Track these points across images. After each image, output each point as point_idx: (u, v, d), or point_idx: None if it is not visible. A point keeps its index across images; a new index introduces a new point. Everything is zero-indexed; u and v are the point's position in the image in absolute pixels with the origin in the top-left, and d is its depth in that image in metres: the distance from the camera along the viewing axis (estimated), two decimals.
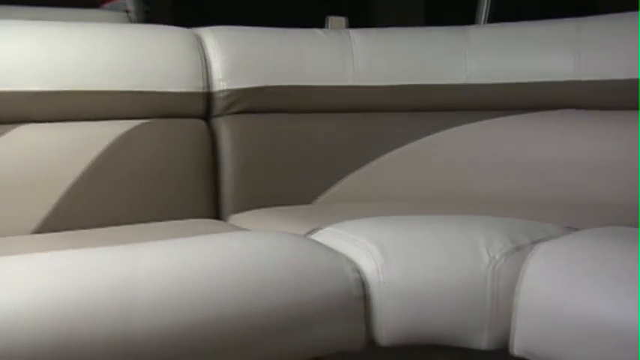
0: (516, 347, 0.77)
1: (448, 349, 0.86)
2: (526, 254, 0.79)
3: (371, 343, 0.83)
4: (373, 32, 1.42)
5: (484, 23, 1.83)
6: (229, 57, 1.27)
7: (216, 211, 1.24)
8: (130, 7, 1.72)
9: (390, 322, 0.81)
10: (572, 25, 1.32)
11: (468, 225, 0.86)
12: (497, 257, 0.80)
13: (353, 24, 1.58)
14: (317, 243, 0.87)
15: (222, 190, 1.25)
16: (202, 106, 1.26)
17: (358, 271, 0.82)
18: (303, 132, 1.34)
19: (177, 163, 1.20)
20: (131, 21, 1.67)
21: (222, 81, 1.26)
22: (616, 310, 0.66)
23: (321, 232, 0.93)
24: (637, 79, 1.22)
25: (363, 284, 0.81)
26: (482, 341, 0.80)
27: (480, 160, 1.33)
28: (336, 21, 1.58)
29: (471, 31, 1.41)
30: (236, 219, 1.19)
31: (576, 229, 0.86)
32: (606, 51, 1.28)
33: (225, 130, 1.26)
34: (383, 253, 0.82)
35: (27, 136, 1.11)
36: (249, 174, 1.26)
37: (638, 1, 1.30)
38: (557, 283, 0.73)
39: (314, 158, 1.33)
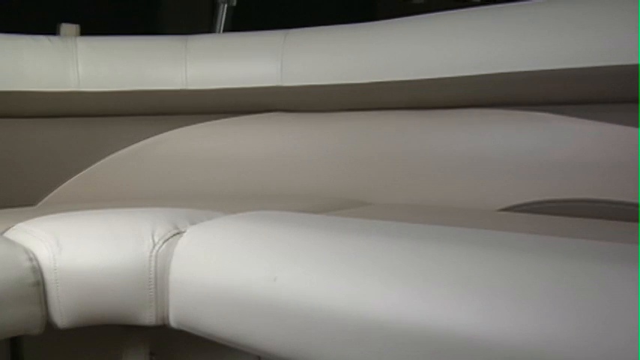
0: (172, 321, 0.89)
1: (137, 328, 0.96)
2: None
3: (50, 326, 0.91)
4: (98, 40, 1.49)
5: (220, 32, 1.96)
6: None
7: None
8: None
9: (64, 306, 0.89)
10: (281, 36, 1.47)
11: (138, 216, 0.97)
12: (159, 242, 0.91)
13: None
14: None
15: None
16: None
17: (33, 259, 0.89)
18: (25, 136, 1.39)
19: None
20: None
21: None
22: (248, 280, 0.78)
23: (12, 229, 0.99)
24: (338, 85, 1.39)
25: (38, 271, 0.89)
26: (148, 318, 0.91)
27: (197, 159, 1.46)
28: (68, 28, 1.63)
29: (191, 40, 1.52)
30: None
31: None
32: (310, 58, 1.43)
33: None
34: (57, 242, 0.90)
35: None
36: None
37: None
38: (196, 258, 0.85)
39: (36, 162, 1.38)
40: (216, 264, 0.82)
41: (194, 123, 1.48)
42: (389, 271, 0.68)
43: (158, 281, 0.90)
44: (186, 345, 1.11)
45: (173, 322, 0.88)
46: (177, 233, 0.92)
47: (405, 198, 1.28)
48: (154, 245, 0.90)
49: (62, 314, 0.90)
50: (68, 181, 1.41)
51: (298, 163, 1.42)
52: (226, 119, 1.48)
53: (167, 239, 0.91)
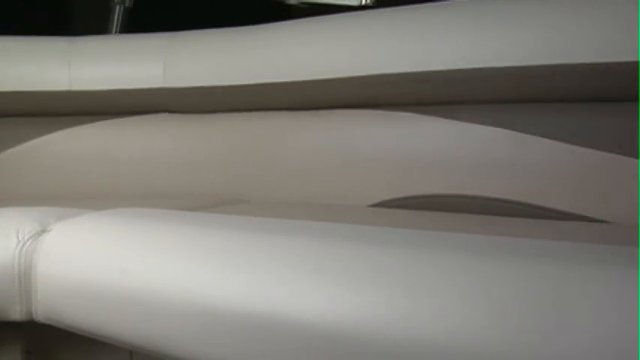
0: (40, 316, 0.91)
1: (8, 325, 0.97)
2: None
3: None
4: None
5: (116, 34, 1.97)
6: None
7: None
8: None
9: None
10: (166, 38, 1.50)
11: (5, 215, 0.99)
12: (25, 239, 0.93)
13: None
14: None
15: None
16: None
17: None
18: None
19: None
20: None
21: None
22: (102, 274, 0.82)
23: None
24: (221, 86, 1.42)
25: None
26: (17, 313, 0.93)
27: (85, 159, 1.47)
28: None
29: (77, 41, 1.53)
30: None
31: None
32: (194, 60, 1.47)
33: None
34: None
35: None
36: None
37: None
38: (60, 254, 0.88)
39: None
40: (76, 259, 0.85)
41: (83, 124, 1.50)
42: (236, 262, 0.72)
43: (24, 277, 0.92)
44: (62, 342, 1.13)
45: (41, 317, 0.90)
46: (44, 230, 0.95)
47: (285, 196, 1.33)
48: (19, 242, 0.92)
49: None
50: None
51: (183, 163, 1.45)
52: (113, 120, 1.50)
53: (33, 236, 0.93)
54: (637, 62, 0.97)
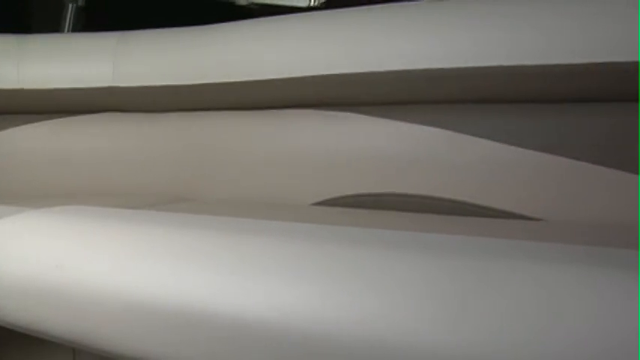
0: None
1: None
2: None
3: None
4: None
5: (68, 32, 1.97)
6: None
7: None
8: None
9: None
10: (115, 37, 1.50)
11: None
12: None
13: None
14: None
15: None
16: None
17: None
18: None
19: None
20: None
21: None
22: (39, 270, 0.83)
23: None
24: (169, 86, 1.44)
25: None
26: None
27: (34, 158, 1.48)
28: None
29: (26, 39, 1.53)
30: None
31: None
32: (143, 60, 1.48)
33: None
34: None
35: None
36: None
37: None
38: None
39: None
40: (14, 256, 0.86)
41: (31, 122, 1.50)
42: (170, 258, 0.74)
43: None
44: (4, 340, 1.14)
45: None
46: None
47: (230, 194, 1.35)
48: None
49: None
50: None
51: (131, 162, 1.46)
52: (62, 119, 1.51)
53: None
54: (572, 64, 1.01)
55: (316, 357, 0.60)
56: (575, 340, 0.51)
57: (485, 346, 0.54)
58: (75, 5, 2.01)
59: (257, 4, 1.83)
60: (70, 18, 1.96)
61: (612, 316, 0.51)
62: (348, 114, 1.21)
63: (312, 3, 1.75)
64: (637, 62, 0.95)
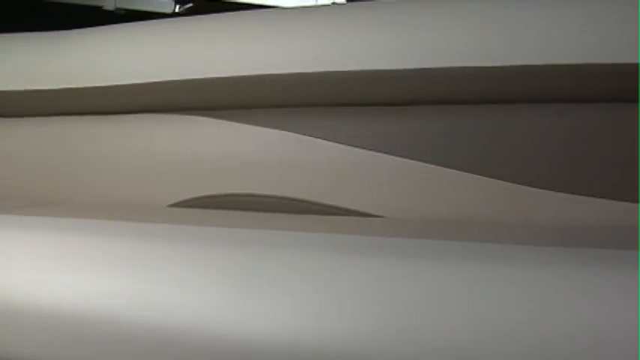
0: None
1: None
2: None
3: None
4: None
5: None
6: None
7: None
8: None
9: None
10: None
11: None
12: None
13: None
14: None
15: None
16: None
17: None
18: None
19: None
20: None
21: None
22: None
23: None
24: (31, 90, 1.42)
25: None
26: None
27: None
28: None
29: None
30: None
31: None
32: (4, 64, 1.46)
33: None
34: None
35: None
36: None
37: None
38: None
39: None
40: None
41: None
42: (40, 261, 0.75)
43: None
44: None
45: None
46: None
47: (91, 197, 1.35)
48: None
49: None
50: None
51: None
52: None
53: None
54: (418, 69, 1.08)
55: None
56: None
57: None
58: None
59: (124, 10, 1.84)
60: None
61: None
62: (205, 118, 1.25)
63: (176, 9, 1.77)
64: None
